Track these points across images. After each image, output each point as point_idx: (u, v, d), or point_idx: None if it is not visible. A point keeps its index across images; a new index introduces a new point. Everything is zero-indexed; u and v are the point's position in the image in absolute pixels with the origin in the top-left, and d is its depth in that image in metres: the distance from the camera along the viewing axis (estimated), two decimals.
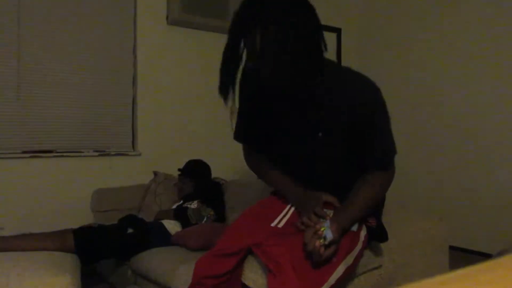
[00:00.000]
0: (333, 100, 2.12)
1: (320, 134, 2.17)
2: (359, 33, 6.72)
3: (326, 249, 1.99)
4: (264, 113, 2.31)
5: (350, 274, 2.37)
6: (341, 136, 2.16)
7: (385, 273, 2.76)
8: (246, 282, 2.24)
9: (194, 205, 4.11)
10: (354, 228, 2.24)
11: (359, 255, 2.30)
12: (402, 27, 6.07)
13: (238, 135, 2.54)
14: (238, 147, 5.69)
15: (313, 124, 2.19)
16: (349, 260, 2.15)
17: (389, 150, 2.23)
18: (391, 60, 6.13)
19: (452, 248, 3.45)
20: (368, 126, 2.13)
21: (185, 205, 4.16)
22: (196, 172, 4.56)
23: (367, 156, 2.20)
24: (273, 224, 2.29)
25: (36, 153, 4.46)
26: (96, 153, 4.81)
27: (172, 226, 3.92)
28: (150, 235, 3.76)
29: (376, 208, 2.46)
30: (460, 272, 0.64)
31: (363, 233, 2.31)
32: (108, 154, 4.88)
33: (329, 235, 2.00)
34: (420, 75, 5.75)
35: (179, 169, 4.62)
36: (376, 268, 2.70)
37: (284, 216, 2.33)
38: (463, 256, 5.03)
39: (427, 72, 5.74)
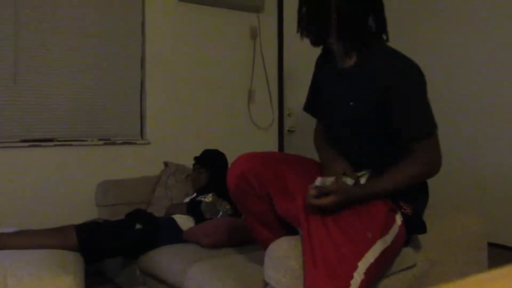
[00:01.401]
0: (367, 72, 2.44)
1: (351, 103, 2.47)
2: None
3: (318, 197, 2.20)
4: (321, 83, 2.76)
5: (389, 262, 2.45)
6: (371, 108, 2.42)
7: (419, 273, 2.74)
8: (270, 282, 2.24)
9: (208, 198, 4.09)
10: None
11: (398, 242, 2.39)
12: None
13: (305, 106, 2.96)
14: (256, 135, 5.68)
15: (346, 93, 2.52)
16: (388, 239, 2.26)
17: (423, 123, 2.40)
18: (425, 43, 6.06)
19: (491, 245, 3.41)
20: (399, 99, 2.36)
21: (198, 198, 4.14)
22: (212, 162, 4.55)
23: (402, 128, 2.40)
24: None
25: (36, 142, 4.48)
26: (101, 142, 4.81)
27: (184, 221, 3.91)
28: (160, 232, 3.75)
29: (414, 198, 2.53)
30: (500, 271, 0.61)
31: (398, 217, 2.39)
32: (114, 143, 4.88)
33: (322, 182, 2.21)
34: (455, 60, 5.67)
35: (195, 158, 4.61)
36: (409, 267, 2.68)
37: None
38: (503, 254, 4.99)
39: (463, 58, 5.67)
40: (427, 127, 2.40)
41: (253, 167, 2.45)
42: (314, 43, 2.57)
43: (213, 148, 4.75)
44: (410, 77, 2.39)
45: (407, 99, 2.37)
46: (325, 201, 2.19)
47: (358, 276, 2.03)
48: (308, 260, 2.08)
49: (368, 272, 2.07)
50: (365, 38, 2.49)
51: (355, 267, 2.04)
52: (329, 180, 2.23)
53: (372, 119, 2.43)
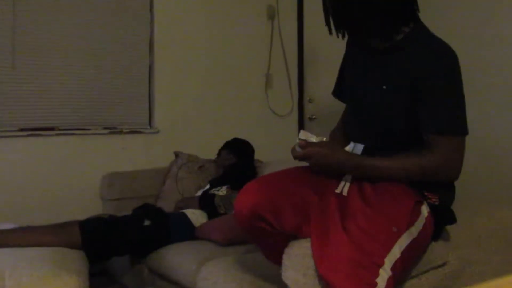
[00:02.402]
0: (403, 54, 2.46)
1: (384, 86, 2.50)
2: None
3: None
4: (350, 65, 2.80)
5: (416, 257, 2.46)
6: (405, 93, 2.44)
7: (451, 272, 2.72)
8: (287, 282, 2.23)
9: (222, 191, 4.09)
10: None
11: (425, 234, 2.40)
12: None
13: (334, 91, 2.99)
14: (274, 123, 5.65)
15: (380, 75, 2.54)
16: (414, 231, 2.27)
17: (454, 119, 2.40)
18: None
19: None
20: (433, 88, 2.38)
21: (212, 191, 4.14)
22: (242, 152, 4.63)
23: (428, 119, 2.40)
24: (337, 191, 2.45)
25: (36, 130, 4.47)
26: (106, 131, 4.81)
27: (196, 216, 3.91)
28: (171, 228, 3.74)
29: (439, 186, 2.52)
30: None
31: (424, 208, 2.41)
32: (120, 132, 4.88)
33: (305, 135, 2.44)
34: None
35: (226, 143, 4.68)
36: (440, 266, 2.67)
37: (345, 183, 2.50)
38: None
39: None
40: (457, 124, 2.40)
41: (262, 200, 2.36)
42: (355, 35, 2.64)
43: (222, 137, 4.78)
44: (448, 65, 2.39)
45: (442, 90, 2.38)
46: (308, 150, 2.38)
47: (384, 273, 2.04)
48: (323, 265, 2.08)
49: (394, 267, 2.09)
50: (405, 19, 2.51)
51: (380, 264, 2.05)
52: (314, 137, 2.44)
53: (404, 105, 2.45)
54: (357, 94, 2.68)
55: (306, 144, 2.38)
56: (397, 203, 2.30)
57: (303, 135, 2.41)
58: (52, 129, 4.55)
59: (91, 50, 4.74)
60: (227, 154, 4.58)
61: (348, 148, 2.57)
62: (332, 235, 2.15)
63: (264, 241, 2.48)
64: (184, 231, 3.76)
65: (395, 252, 2.12)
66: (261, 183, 2.44)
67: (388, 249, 2.11)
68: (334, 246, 2.10)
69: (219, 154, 4.67)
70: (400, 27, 2.48)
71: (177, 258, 3.41)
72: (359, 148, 2.54)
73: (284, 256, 2.28)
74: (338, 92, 2.95)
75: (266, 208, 2.30)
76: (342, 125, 2.92)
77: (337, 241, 2.11)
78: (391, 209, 2.27)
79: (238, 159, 4.55)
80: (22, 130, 4.41)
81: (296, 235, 2.33)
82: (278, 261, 2.38)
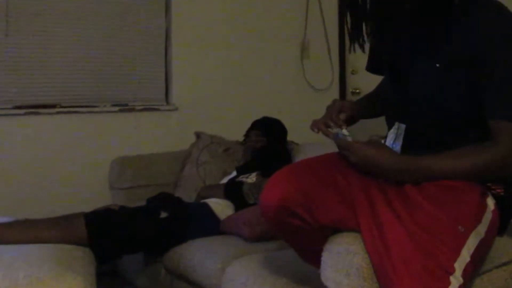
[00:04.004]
0: (458, 28, 2.37)
1: (437, 65, 2.41)
2: None
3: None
4: (389, 39, 2.69)
5: (484, 258, 2.42)
6: (461, 72, 2.36)
7: None
8: (327, 284, 2.22)
9: (252, 178, 4.08)
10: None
11: (492, 231, 2.36)
12: None
13: (367, 66, 2.96)
14: (311, 98, 5.61)
15: (430, 53, 2.45)
16: (481, 230, 2.24)
17: None
18: None
19: None
20: (494, 67, 2.30)
21: (239, 178, 4.13)
22: (273, 131, 4.64)
23: (488, 103, 2.33)
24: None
25: (34, 108, 4.49)
26: (116, 108, 4.83)
27: (221, 207, 3.90)
28: (191, 221, 3.74)
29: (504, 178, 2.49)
30: None
31: (490, 200, 2.36)
32: (132, 109, 4.89)
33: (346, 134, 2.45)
34: None
35: (255, 122, 4.66)
36: (504, 263, 2.60)
37: None
38: None
39: None
40: None
41: (292, 192, 2.30)
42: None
43: (251, 115, 4.79)
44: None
45: (508, 68, 2.31)
46: (353, 144, 2.37)
47: (455, 281, 2.01)
48: (385, 270, 2.06)
49: (465, 273, 2.06)
50: None
51: (451, 271, 2.03)
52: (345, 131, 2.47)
53: (461, 86, 2.39)
54: (400, 72, 2.63)
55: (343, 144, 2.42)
56: (460, 198, 2.25)
57: (336, 131, 2.45)
58: (53, 106, 4.57)
59: (98, 16, 4.74)
60: (256, 136, 4.55)
61: (393, 130, 2.58)
62: (390, 234, 2.13)
63: (298, 240, 2.45)
64: (207, 225, 3.76)
65: (465, 255, 2.10)
66: (291, 171, 2.41)
67: (457, 253, 2.09)
68: (395, 250, 2.08)
69: (247, 135, 4.65)
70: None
71: (198, 256, 3.42)
72: (402, 128, 2.53)
73: (324, 254, 2.26)
74: (374, 66, 2.92)
75: (297, 201, 2.25)
76: (377, 94, 2.98)
77: (398, 243, 2.10)
78: (454, 205, 2.23)
79: (269, 141, 4.53)
80: (18, 107, 4.43)
81: (335, 229, 2.30)
82: (315, 261, 2.35)
